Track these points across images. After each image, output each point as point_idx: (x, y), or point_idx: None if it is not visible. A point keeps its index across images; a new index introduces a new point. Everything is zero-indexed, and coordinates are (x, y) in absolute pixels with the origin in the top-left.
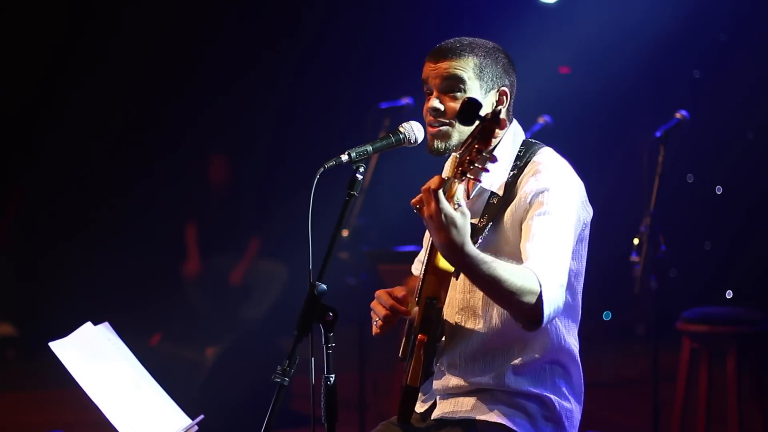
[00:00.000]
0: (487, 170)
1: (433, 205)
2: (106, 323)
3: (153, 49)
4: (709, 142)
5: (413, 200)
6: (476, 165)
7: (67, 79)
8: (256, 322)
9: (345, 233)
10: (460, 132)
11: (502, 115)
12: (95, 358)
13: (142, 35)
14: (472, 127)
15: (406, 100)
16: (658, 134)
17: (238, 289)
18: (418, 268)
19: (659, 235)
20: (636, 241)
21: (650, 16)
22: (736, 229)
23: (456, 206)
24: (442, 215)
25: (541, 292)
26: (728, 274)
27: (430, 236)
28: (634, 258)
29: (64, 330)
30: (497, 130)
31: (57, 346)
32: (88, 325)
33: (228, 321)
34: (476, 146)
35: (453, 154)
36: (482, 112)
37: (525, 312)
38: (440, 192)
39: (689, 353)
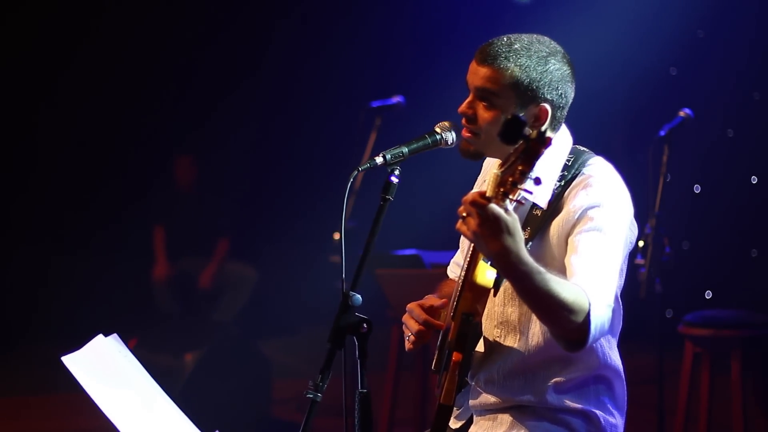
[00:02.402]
0: (531, 192)
1: (479, 214)
2: (115, 335)
3: (125, 49)
4: (687, 140)
5: (460, 209)
6: (520, 187)
7: (39, 83)
8: (231, 325)
9: (337, 237)
10: (485, 143)
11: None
12: (109, 372)
13: (114, 34)
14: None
15: (397, 99)
16: (662, 133)
17: (208, 292)
18: (454, 270)
19: (663, 237)
20: (641, 243)
21: (626, 14)
22: (714, 228)
23: (505, 210)
24: (493, 221)
25: (589, 311)
26: (708, 274)
27: (480, 250)
28: (639, 261)
29: (36, 335)
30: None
31: (69, 360)
32: (100, 337)
33: (202, 325)
34: (520, 168)
35: (494, 172)
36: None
37: (570, 331)
38: (489, 200)
39: (692, 357)
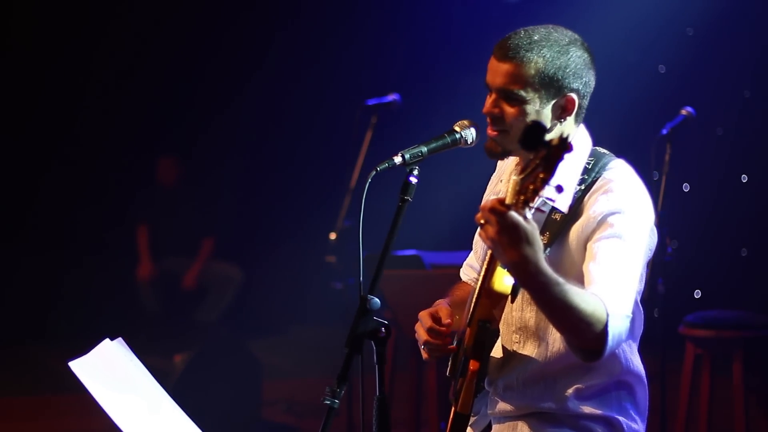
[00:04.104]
0: (552, 200)
1: (498, 222)
2: (120, 339)
3: (115, 47)
4: (676, 139)
5: (477, 216)
6: (540, 194)
7: (23, 84)
8: (220, 326)
9: (333, 236)
10: (515, 140)
11: (569, 134)
12: (116, 377)
13: (102, 33)
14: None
15: (392, 97)
16: (664, 131)
17: (193, 292)
18: (467, 273)
19: (666, 237)
20: None
21: (615, 12)
22: (704, 227)
23: (524, 218)
24: (512, 229)
25: (607, 322)
26: (697, 273)
27: (498, 258)
28: None
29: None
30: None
31: (77, 366)
32: (106, 341)
33: (190, 325)
34: (541, 175)
35: (513, 178)
36: (546, 122)
37: (587, 342)
38: (509, 207)
39: (693, 359)
